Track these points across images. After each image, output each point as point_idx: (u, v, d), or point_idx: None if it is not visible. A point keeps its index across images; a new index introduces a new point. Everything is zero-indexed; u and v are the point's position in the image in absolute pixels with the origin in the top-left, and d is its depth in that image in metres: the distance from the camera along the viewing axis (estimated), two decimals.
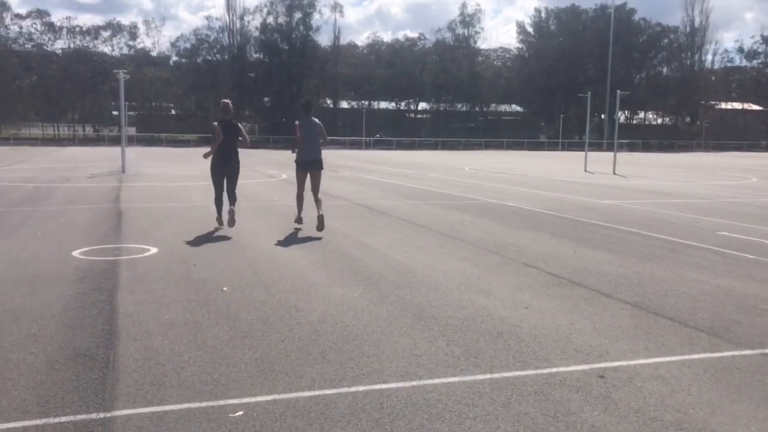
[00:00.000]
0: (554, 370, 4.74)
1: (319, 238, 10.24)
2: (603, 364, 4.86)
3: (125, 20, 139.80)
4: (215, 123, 11.01)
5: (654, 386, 4.48)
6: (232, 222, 10.62)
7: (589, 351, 5.16)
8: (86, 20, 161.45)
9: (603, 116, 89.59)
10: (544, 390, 4.38)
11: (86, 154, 43.55)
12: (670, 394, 4.34)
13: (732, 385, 4.52)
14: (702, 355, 5.11)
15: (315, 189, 11.09)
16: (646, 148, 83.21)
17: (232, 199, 11.05)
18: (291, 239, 10.22)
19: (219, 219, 11.13)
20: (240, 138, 11.08)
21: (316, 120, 11.24)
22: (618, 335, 5.57)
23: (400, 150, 68.57)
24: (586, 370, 4.76)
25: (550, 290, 7.11)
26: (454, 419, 3.94)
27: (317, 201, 10.96)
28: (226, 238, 10.23)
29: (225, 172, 11.07)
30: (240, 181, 11.75)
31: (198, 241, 9.90)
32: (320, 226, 10.46)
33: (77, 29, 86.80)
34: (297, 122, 11.09)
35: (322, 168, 11.27)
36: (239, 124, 11.30)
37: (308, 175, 11.20)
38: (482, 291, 7.02)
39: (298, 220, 11.13)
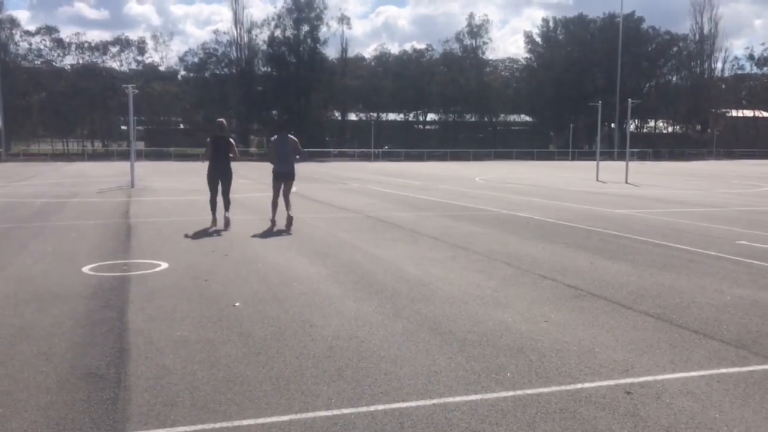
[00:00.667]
0: (579, 386, 4.58)
1: (330, 252, 10.11)
2: (629, 380, 4.70)
3: (133, 35, 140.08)
4: (208, 139, 13.18)
5: (684, 402, 4.31)
6: (227, 224, 12.58)
7: (614, 366, 5.00)
8: (95, 36, 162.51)
9: (613, 125, 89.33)
10: (570, 407, 4.22)
11: (95, 169, 43.65)
12: (701, 411, 4.18)
13: (766, 401, 4.35)
14: (731, 369, 4.94)
15: (286, 194, 13.05)
16: (657, 156, 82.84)
17: (227, 205, 13.10)
18: (303, 253, 10.10)
19: (213, 219, 13.09)
20: (231, 154, 13.16)
21: (292, 137, 13.13)
22: (642, 349, 5.41)
23: (409, 161, 68.48)
24: (612, 385, 4.60)
25: (569, 303, 6.95)
26: None
27: (288, 204, 12.84)
28: (236, 252, 10.12)
29: (218, 179, 13.17)
30: (250, 195, 11.85)
31: (208, 256, 9.79)
32: (288, 225, 12.37)
33: (86, 45, 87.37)
34: (273, 138, 13.20)
35: (293, 179, 13.23)
36: (231, 140, 13.39)
37: (282, 184, 13.09)
38: (499, 304, 6.86)
39: (273, 221, 12.94)
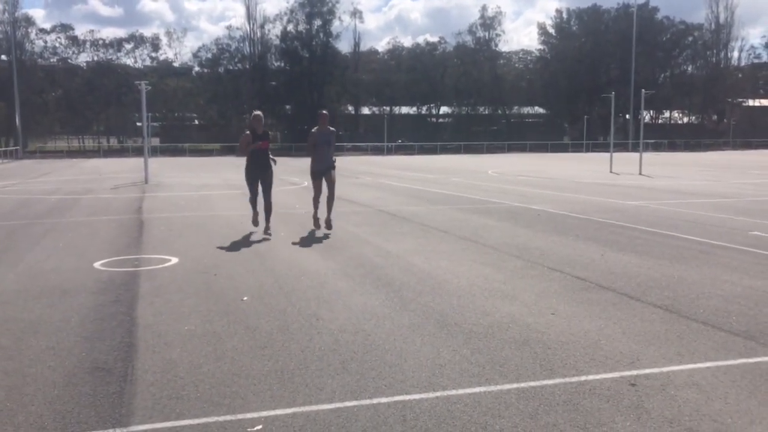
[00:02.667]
0: (583, 378, 4.57)
1: (339, 246, 10.12)
2: (634, 372, 4.68)
3: (147, 32, 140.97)
4: (247, 131, 11.51)
5: (688, 394, 4.29)
6: (266, 231, 11.29)
7: (620, 358, 4.98)
8: (109, 33, 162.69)
9: (627, 116, 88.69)
10: (574, 399, 4.21)
11: (110, 166, 43.95)
12: (705, 403, 4.16)
13: None
14: (738, 361, 4.90)
15: (330, 189, 11.90)
16: (672, 147, 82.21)
17: (269, 211, 11.55)
18: (311, 247, 10.13)
19: (254, 217, 11.81)
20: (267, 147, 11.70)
21: (332, 129, 11.91)
22: (649, 340, 5.38)
23: (422, 155, 68.38)
24: (617, 377, 4.59)
25: (577, 295, 6.93)
26: None
27: (329, 204, 11.78)
28: (246, 246, 10.16)
29: (258, 178, 11.61)
30: None
31: (218, 250, 9.83)
32: (328, 226, 11.61)
33: (100, 42, 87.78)
34: (313, 130, 11.75)
35: (334, 170, 11.92)
36: (269, 133, 12.04)
37: (323, 180, 11.85)
38: (507, 297, 6.85)
39: (315, 220, 11.88)
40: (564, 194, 19.34)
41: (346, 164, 40.89)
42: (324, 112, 12.00)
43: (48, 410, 4.12)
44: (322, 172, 11.69)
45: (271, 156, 11.62)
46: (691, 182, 24.55)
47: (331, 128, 11.82)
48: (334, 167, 11.81)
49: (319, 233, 11.42)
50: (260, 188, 11.66)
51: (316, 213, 11.82)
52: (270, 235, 11.13)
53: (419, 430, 3.81)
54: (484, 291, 7.10)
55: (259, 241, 10.61)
